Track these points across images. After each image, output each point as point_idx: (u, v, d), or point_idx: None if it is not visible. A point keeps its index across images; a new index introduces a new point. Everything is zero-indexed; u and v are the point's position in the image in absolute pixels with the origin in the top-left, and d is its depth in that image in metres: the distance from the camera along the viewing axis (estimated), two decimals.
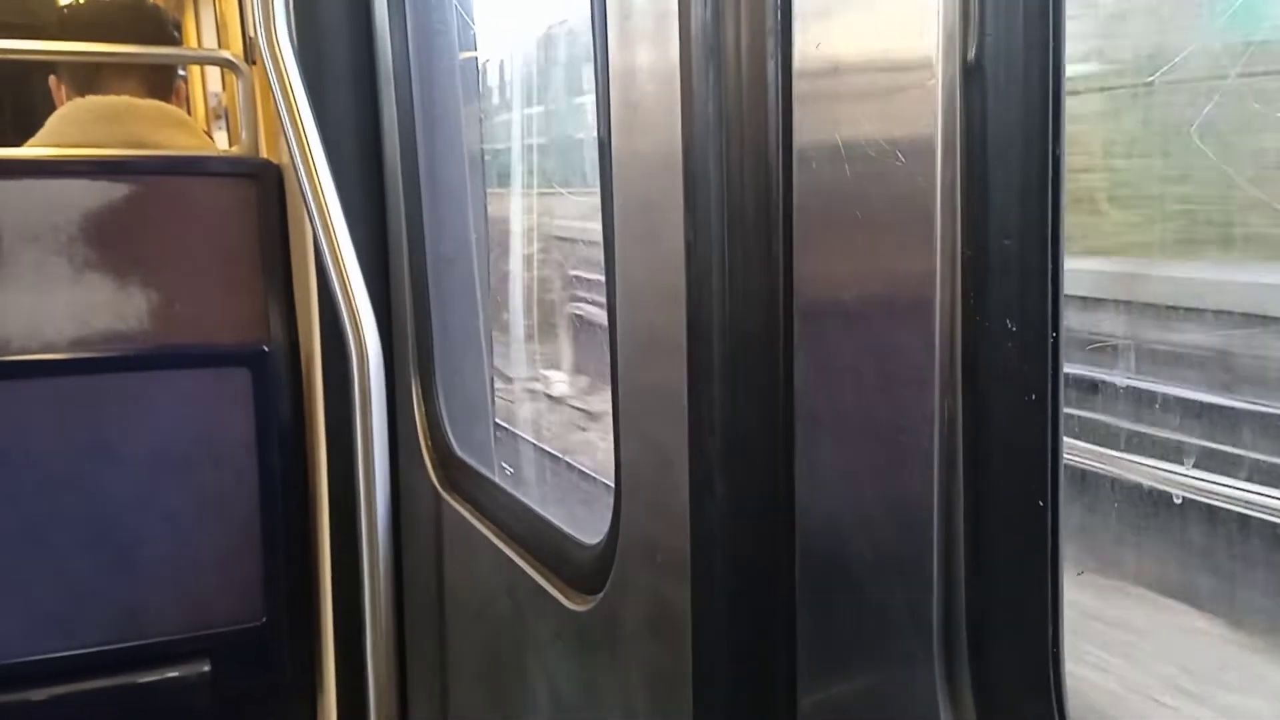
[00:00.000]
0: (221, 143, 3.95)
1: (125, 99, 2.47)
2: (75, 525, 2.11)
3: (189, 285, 2.21)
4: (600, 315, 1.47)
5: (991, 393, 0.70)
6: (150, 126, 2.45)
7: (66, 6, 3.06)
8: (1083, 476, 1.14)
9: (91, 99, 2.46)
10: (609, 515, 1.14)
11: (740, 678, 0.93)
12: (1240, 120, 0.90)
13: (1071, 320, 0.71)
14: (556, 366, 2.60)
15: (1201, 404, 1.15)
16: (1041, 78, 0.67)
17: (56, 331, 2.11)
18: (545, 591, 1.30)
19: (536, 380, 2.61)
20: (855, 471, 0.80)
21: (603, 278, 1.14)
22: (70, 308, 2.12)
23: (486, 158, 2.21)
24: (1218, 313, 1.14)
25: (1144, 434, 1.16)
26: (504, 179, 2.36)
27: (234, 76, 2.63)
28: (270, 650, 2.25)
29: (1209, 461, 1.14)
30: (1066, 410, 0.70)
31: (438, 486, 1.76)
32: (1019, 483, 0.71)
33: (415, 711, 1.90)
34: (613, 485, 1.12)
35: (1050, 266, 0.68)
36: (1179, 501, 1.15)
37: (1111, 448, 1.15)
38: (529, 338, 2.56)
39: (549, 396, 2.57)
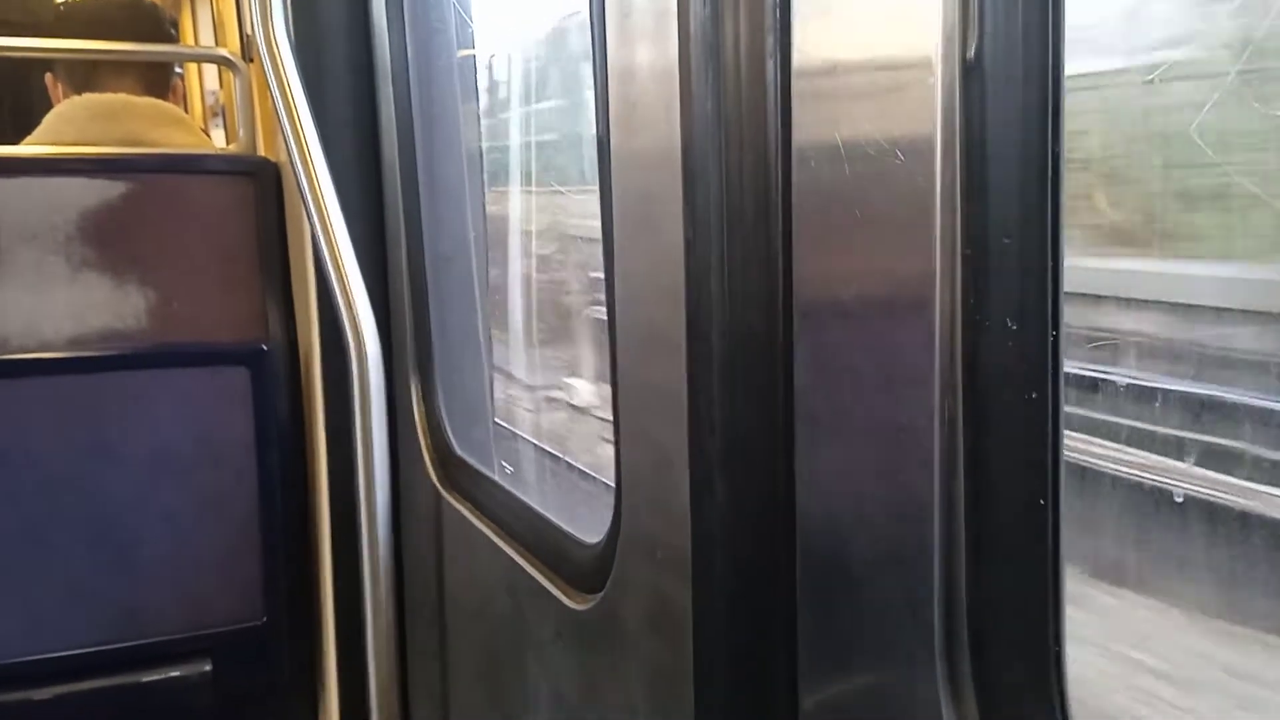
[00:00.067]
0: (219, 141, 3.94)
1: (122, 97, 2.47)
2: (74, 525, 2.11)
3: (187, 284, 2.21)
4: None
5: (992, 392, 0.70)
6: (147, 124, 2.45)
7: (63, 4, 3.05)
8: None
9: (89, 97, 2.46)
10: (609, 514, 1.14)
11: (741, 677, 0.93)
12: None
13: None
14: (579, 374, 2.53)
15: None
16: (1041, 76, 0.67)
17: (54, 330, 2.11)
18: (546, 590, 1.30)
19: (558, 389, 2.53)
20: (855, 470, 0.80)
21: None
22: (68, 306, 2.12)
23: (499, 154, 2.19)
24: None
25: None
26: (520, 177, 2.32)
27: (231, 74, 2.62)
28: (271, 649, 2.25)
29: None
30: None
31: (437, 485, 1.76)
32: (1020, 482, 0.71)
33: (416, 710, 1.90)
34: (613, 484, 1.12)
35: (1050, 265, 0.68)
36: None
37: None
38: (548, 342, 2.50)
39: (572, 406, 2.48)
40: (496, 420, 2.03)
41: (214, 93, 4.39)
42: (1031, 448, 0.70)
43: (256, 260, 2.25)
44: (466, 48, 1.94)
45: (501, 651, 1.52)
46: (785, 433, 0.86)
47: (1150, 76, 1.01)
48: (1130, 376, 1.20)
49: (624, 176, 1.03)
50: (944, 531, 0.72)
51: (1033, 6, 0.66)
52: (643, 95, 0.97)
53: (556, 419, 2.49)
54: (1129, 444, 1.22)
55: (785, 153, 0.83)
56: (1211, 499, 1.16)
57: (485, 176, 2.12)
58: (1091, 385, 1.19)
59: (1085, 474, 1.22)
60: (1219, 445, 1.14)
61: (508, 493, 1.60)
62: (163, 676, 2.17)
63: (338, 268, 1.65)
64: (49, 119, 2.46)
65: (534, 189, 2.34)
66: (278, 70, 1.66)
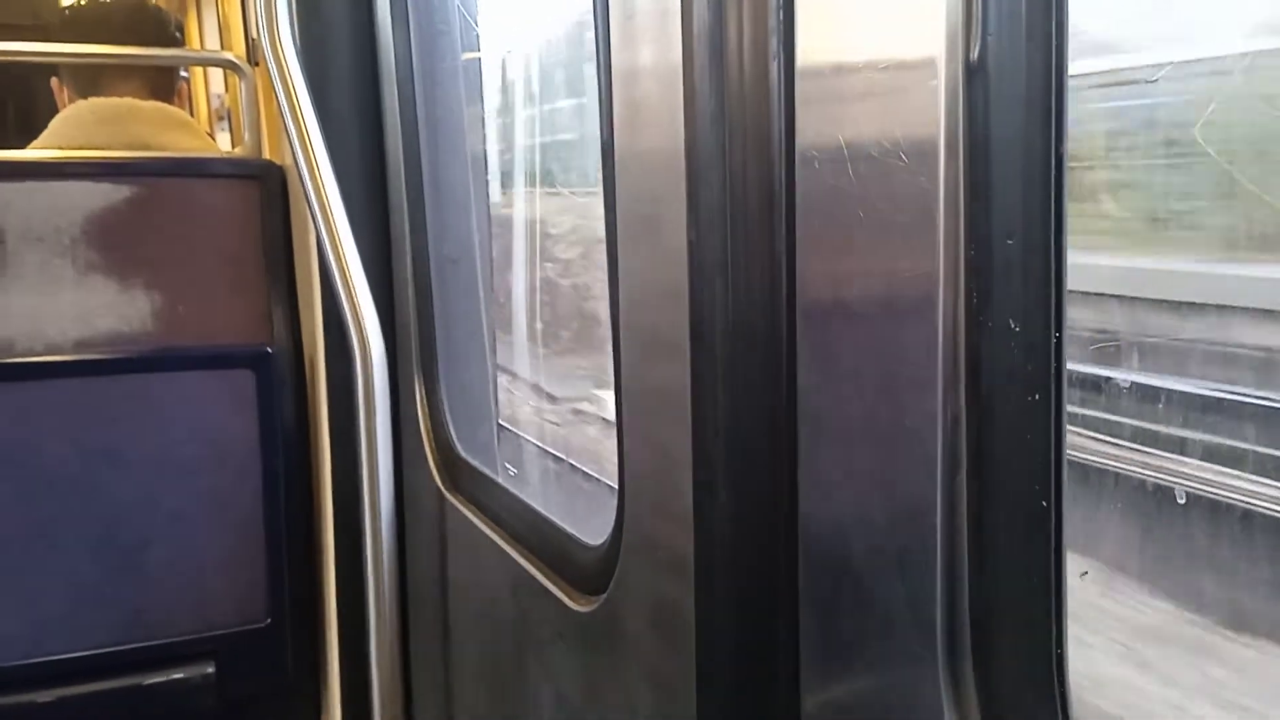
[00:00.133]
0: (224, 144, 3.95)
1: (128, 101, 2.48)
2: (79, 527, 2.11)
3: (192, 287, 2.21)
4: None
5: (995, 392, 0.70)
6: (153, 128, 2.45)
7: (69, 8, 3.06)
8: None
9: (94, 101, 2.46)
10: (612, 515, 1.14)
11: (744, 678, 0.93)
12: None
13: None
14: (607, 385, 2.38)
15: None
16: (1044, 77, 0.67)
17: (60, 333, 2.12)
18: (549, 592, 1.30)
19: (587, 401, 2.45)
20: (858, 471, 0.80)
21: None
22: (74, 310, 2.13)
23: (521, 155, 2.17)
24: None
25: None
26: (543, 178, 2.29)
27: (237, 78, 2.63)
28: (275, 651, 2.25)
29: None
30: None
31: (441, 487, 1.76)
32: (1022, 483, 0.71)
33: (419, 712, 1.90)
34: (616, 485, 1.12)
35: (1054, 266, 0.68)
36: None
37: None
38: (575, 351, 2.44)
39: (604, 420, 2.34)
40: (524, 434, 2.01)
41: (219, 96, 4.39)
42: (1034, 449, 0.70)
43: (262, 263, 2.25)
44: (471, 50, 1.94)
45: (504, 653, 1.52)
46: (788, 434, 0.86)
47: None
48: None
49: (628, 178, 1.03)
50: (946, 533, 0.72)
51: (1036, 8, 0.67)
52: (646, 97, 0.97)
53: (589, 435, 2.41)
54: None
55: (789, 154, 0.83)
56: None
57: (502, 178, 2.10)
58: None
59: None
60: None
61: (511, 495, 1.60)
62: (166, 678, 2.17)
63: (342, 271, 1.65)
64: (55, 123, 2.46)
65: (559, 190, 2.31)
66: (283, 74, 1.67)
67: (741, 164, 0.87)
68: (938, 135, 0.69)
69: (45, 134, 2.46)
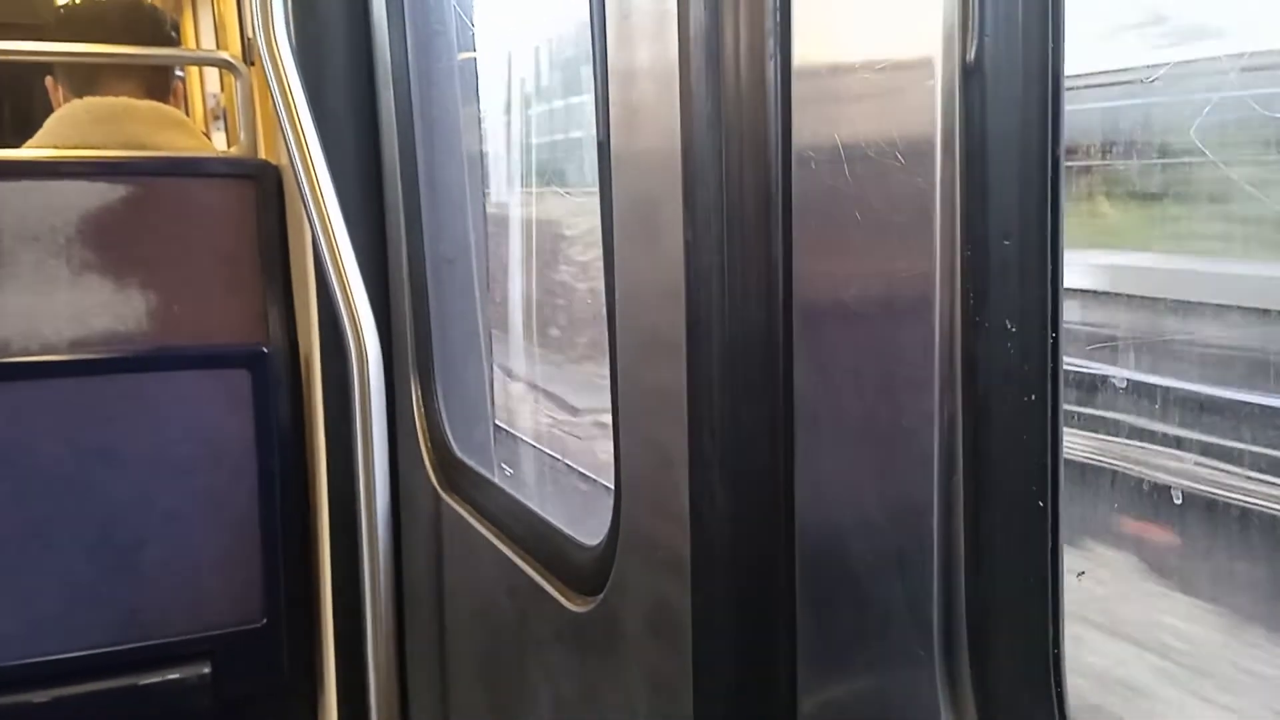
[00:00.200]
0: (220, 144, 3.95)
1: (123, 100, 2.47)
2: (74, 527, 2.11)
3: (188, 287, 2.21)
4: None
5: (991, 393, 0.70)
6: (148, 127, 2.45)
7: (63, 7, 3.05)
8: None
9: (89, 100, 2.46)
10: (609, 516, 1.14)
11: (741, 678, 0.93)
12: None
13: None
14: None
15: None
16: (1041, 78, 0.67)
17: (55, 333, 2.11)
18: (545, 592, 1.30)
19: (608, 412, 2.36)
20: (855, 472, 0.80)
21: None
22: (69, 309, 2.12)
23: (535, 154, 2.14)
24: None
25: None
26: (560, 178, 2.26)
27: (232, 77, 2.63)
28: (271, 651, 2.25)
29: None
30: None
31: (437, 487, 1.76)
32: (1019, 483, 0.71)
33: (416, 712, 1.90)
34: (612, 486, 1.12)
35: (1050, 266, 0.68)
36: None
37: None
38: (590, 359, 2.42)
39: None
40: (541, 447, 1.99)
41: (215, 95, 4.39)
42: (1031, 449, 0.70)
43: (257, 263, 2.25)
44: (467, 50, 1.94)
45: (501, 654, 1.52)
46: (785, 434, 0.87)
47: None
48: None
49: (624, 178, 1.03)
50: (943, 533, 0.72)
51: (1033, 8, 0.67)
52: (643, 97, 0.97)
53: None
54: None
55: (785, 155, 0.83)
56: None
57: (514, 177, 2.08)
58: None
59: None
60: None
61: (508, 495, 1.59)
62: (162, 679, 2.17)
63: (338, 270, 1.65)
64: (50, 122, 2.46)
65: (575, 190, 2.29)
66: (279, 73, 1.66)
67: (738, 164, 0.87)
68: (934, 136, 0.69)
69: (40, 133, 2.45)
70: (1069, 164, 0.73)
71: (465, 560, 1.67)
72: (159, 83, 2.62)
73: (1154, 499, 0.99)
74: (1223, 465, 0.95)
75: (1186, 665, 1.04)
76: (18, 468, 2.08)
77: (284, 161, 2.21)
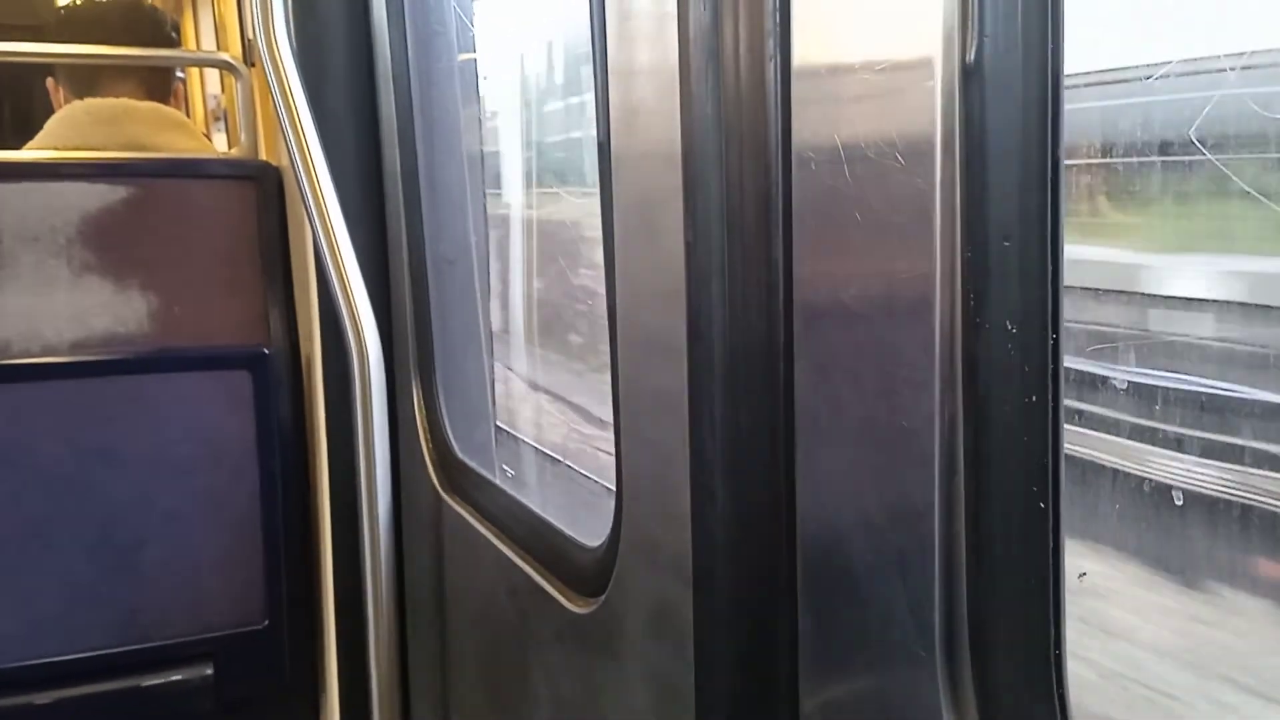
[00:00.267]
0: (220, 145, 3.95)
1: (124, 101, 2.47)
2: (76, 528, 2.11)
3: (189, 288, 2.21)
4: None
5: (992, 394, 0.70)
6: (149, 129, 2.45)
7: (64, 8, 3.06)
8: None
9: (90, 101, 2.46)
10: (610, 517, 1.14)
11: (742, 679, 0.93)
12: None
13: None
14: None
15: None
16: (1041, 78, 0.67)
17: (56, 334, 2.11)
18: (547, 594, 1.30)
19: None
20: (856, 473, 0.80)
21: None
22: (70, 310, 2.13)
23: (553, 154, 2.12)
24: None
25: None
26: (575, 176, 2.24)
27: (233, 78, 2.63)
28: (272, 653, 2.25)
29: None
30: None
31: (439, 488, 1.76)
32: (1020, 484, 0.71)
33: (417, 713, 1.90)
34: (614, 487, 1.12)
35: (1050, 267, 0.68)
36: None
37: None
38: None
39: None
40: (560, 458, 1.98)
41: (216, 97, 4.39)
42: (1032, 450, 0.70)
43: (258, 264, 2.25)
44: (467, 51, 1.94)
45: (502, 655, 1.52)
46: (786, 435, 0.86)
47: None
48: None
49: (624, 179, 1.03)
50: (944, 534, 0.72)
51: (1032, 9, 0.66)
52: (643, 98, 0.97)
53: None
54: None
55: (785, 155, 0.83)
56: None
57: (530, 178, 2.06)
58: None
59: None
60: None
61: (509, 496, 1.59)
62: (164, 680, 2.17)
63: (339, 271, 1.65)
64: (50, 124, 2.46)
65: (593, 191, 2.26)
66: (279, 74, 1.66)
67: (738, 165, 0.87)
68: (934, 136, 0.69)
69: (41, 134, 2.45)
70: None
71: (466, 561, 1.67)
72: (160, 84, 2.62)
73: None
74: None
75: None
76: (19, 469, 2.08)
77: (284, 162, 2.21)
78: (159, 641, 2.17)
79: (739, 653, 0.93)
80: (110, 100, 2.47)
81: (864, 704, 0.82)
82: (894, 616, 0.76)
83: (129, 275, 2.16)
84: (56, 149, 2.38)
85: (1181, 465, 0.98)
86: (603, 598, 1.15)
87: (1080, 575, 0.90)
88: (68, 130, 2.42)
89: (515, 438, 2.05)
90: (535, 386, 2.24)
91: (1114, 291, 1.08)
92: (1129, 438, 1.02)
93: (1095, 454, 1.03)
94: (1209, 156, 0.88)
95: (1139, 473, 1.02)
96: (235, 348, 2.21)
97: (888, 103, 0.72)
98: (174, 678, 2.18)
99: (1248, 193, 0.88)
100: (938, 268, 0.70)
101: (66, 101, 2.51)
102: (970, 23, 0.67)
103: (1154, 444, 1.00)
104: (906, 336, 0.73)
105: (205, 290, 2.22)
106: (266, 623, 2.23)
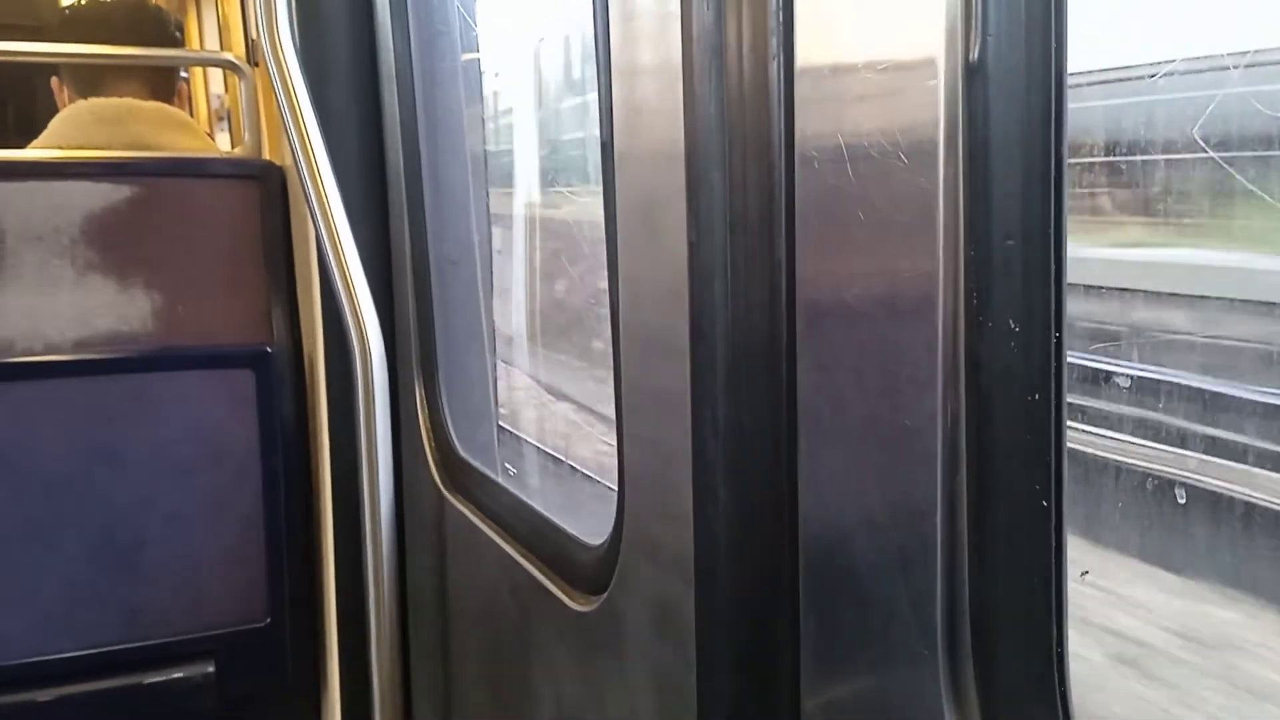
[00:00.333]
0: (224, 144, 3.95)
1: (127, 101, 2.48)
2: (79, 526, 2.11)
3: (192, 287, 2.21)
4: None
5: (995, 393, 0.70)
6: (152, 128, 2.45)
7: (69, 8, 3.06)
8: None
9: (94, 101, 2.46)
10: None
11: (744, 678, 0.93)
12: None
13: None
14: None
15: None
16: (1044, 77, 0.67)
17: (59, 333, 2.12)
18: (549, 592, 1.30)
19: None
20: (858, 471, 0.80)
21: None
22: (73, 309, 2.13)
23: (572, 152, 2.11)
24: None
25: None
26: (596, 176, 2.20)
27: (236, 78, 2.63)
28: (274, 651, 2.25)
29: None
30: None
31: (441, 487, 1.76)
32: (1022, 482, 0.71)
33: (419, 711, 1.90)
34: (616, 486, 1.12)
35: (1053, 266, 0.68)
36: None
37: None
38: None
39: None
40: (578, 467, 1.97)
41: (219, 96, 4.39)
42: (1034, 449, 0.70)
43: (261, 263, 2.25)
44: (470, 51, 1.94)
45: (504, 653, 1.52)
46: (788, 434, 0.87)
47: None
48: None
49: (628, 179, 1.03)
50: (947, 533, 0.72)
51: (1036, 8, 0.67)
52: (646, 98, 0.97)
53: None
54: None
55: (789, 155, 0.83)
56: None
57: (546, 176, 2.04)
58: None
59: None
60: None
61: (511, 494, 1.60)
62: (166, 678, 2.17)
63: (342, 270, 1.65)
64: (54, 123, 2.46)
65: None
66: (283, 74, 1.67)
67: (741, 165, 0.87)
68: (937, 135, 0.69)
69: (45, 134, 2.46)
70: None
71: (469, 559, 1.67)
72: (164, 83, 2.63)
73: None
74: None
75: None
76: (22, 468, 2.08)
77: (288, 162, 2.21)
78: (161, 639, 2.17)
79: (741, 651, 0.93)
80: (114, 100, 2.47)
81: (866, 703, 0.82)
82: (896, 615, 0.76)
83: (132, 274, 2.16)
84: (60, 148, 2.39)
85: None
86: (604, 596, 1.15)
87: (1083, 574, 0.90)
88: (72, 130, 2.42)
89: (558, 460, 2.03)
90: (565, 397, 2.22)
91: None
92: None
93: None
94: None
95: None
96: (238, 346, 2.21)
97: (891, 102, 0.72)
98: (176, 675, 2.18)
99: None
100: (940, 266, 0.70)
101: (71, 101, 2.51)
102: (973, 21, 0.67)
103: None
104: (909, 335, 0.73)
105: (208, 289, 2.22)
106: (268, 620, 2.23)
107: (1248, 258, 1.18)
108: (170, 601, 2.18)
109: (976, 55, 0.67)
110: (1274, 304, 1.20)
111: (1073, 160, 0.75)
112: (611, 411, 1.10)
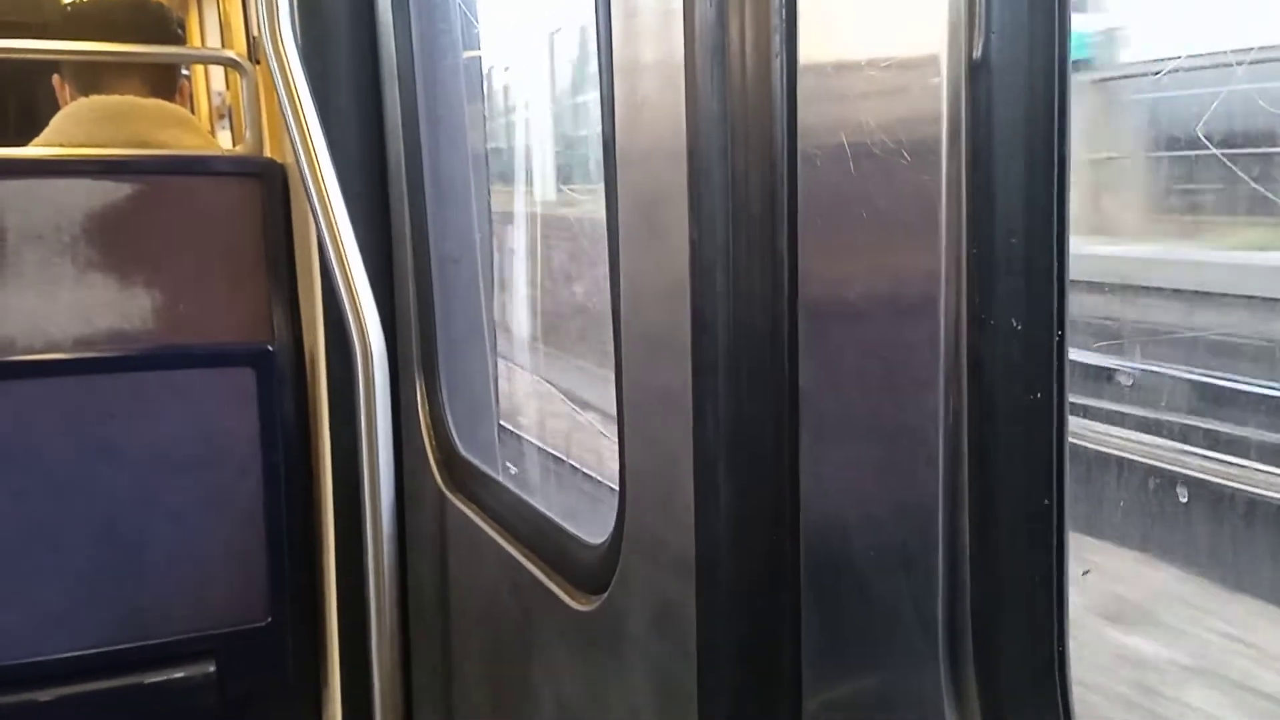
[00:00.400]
0: (225, 142, 3.95)
1: (129, 98, 2.48)
2: (80, 525, 2.11)
3: (193, 285, 2.21)
4: None
5: (996, 391, 0.70)
6: (154, 126, 2.45)
7: (70, 5, 3.06)
8: None
9: (95, 98, 2.46)
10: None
11: (745, 677, 0.93)
12: None
13: None
14: None
15: None
16: (1047, 75, 0.67)
17: (61, 331, 2.11)
18: (550, 591, 1.30)
19: None
20: (860, 470, 0.80)
21: None
22: (75, 307, 2.13)
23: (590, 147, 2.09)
24: None
25: None
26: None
27: (238, 76, 2.63)
28: (275, 650, 2.25)
29: None
30: None
31: (442, 486, 1.76)
32: (1024, 481, 0.71)
33: (419, 711, 1.90)
34: (617, 485, 1.11)
35: (1056, 265, 0.68)
36: None
37: None
38: None
39: None
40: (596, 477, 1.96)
41: (221, 94, 4.39)
42: (1036, 448, 0.70)
43: (262, 261, 2.25)
44: (472, 49, 1.94)
45: (505, 652, 1.52)
46: (790, 433, 0.86)
47: None
48: None
49: (629, 176, 1.03)
50: (948, 532, 0.72)
51: (1039, 5, 0.66)
52: (648, 95, 0.97)
53: None
54: None
55: (791, 152, 0.83)
56: None
57: (563, 173, 2.03)
58: None
59: None
60: None
61: (512, 494, 1.59)
62: (166, 677, 2.17)
63: (343, 269, 1.65)
64: (56, 120, 2.46)
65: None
66: (284, 71, 1.66)
67: (743, 162, 0.87)
68: (940, 133, 0.68)
69: (46, 131, 2.45)
70: None
71: (469, 558, 1.67)
72: (165, 81, 2.62)
73: None
74: None
75: None
76: (22, 466, 2.08)
77: (289, 160, 2.21)
78: (161, 638, 2.17)
79: (742, 650, 0.93)
80: (115, 97, 2.47)
81: (867, 701, 0.82)
82: (897, 614, 0.76)
83: (133, 272, 2.16)
84: (62, 146, 2.38)
85: None
86: (605, 595, 1.15)
87: (1084, 573, 0.90)
88: (73, 127, 2.42)
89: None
90: (588, 406, 2.21)
91: None
92: None
93: None
94: None
95: None
96: (239, 344, 2.21)
97: (893, 99, 0.72)
98: (176, 675, 2.18)
99: None
100: (943, 265, 0.70)
101: (72, 98, 2.51)
102: (976, 19, 0.67)
103: None
104: (911, 333, 0.73)
105: (209, 287, 2.22)
106: (269, 620, 2.23)
107: None
108: (171, 600, 2.18)
109: (980, 53, 0.67)
110: None
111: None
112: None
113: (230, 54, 2.85)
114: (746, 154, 0.87)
